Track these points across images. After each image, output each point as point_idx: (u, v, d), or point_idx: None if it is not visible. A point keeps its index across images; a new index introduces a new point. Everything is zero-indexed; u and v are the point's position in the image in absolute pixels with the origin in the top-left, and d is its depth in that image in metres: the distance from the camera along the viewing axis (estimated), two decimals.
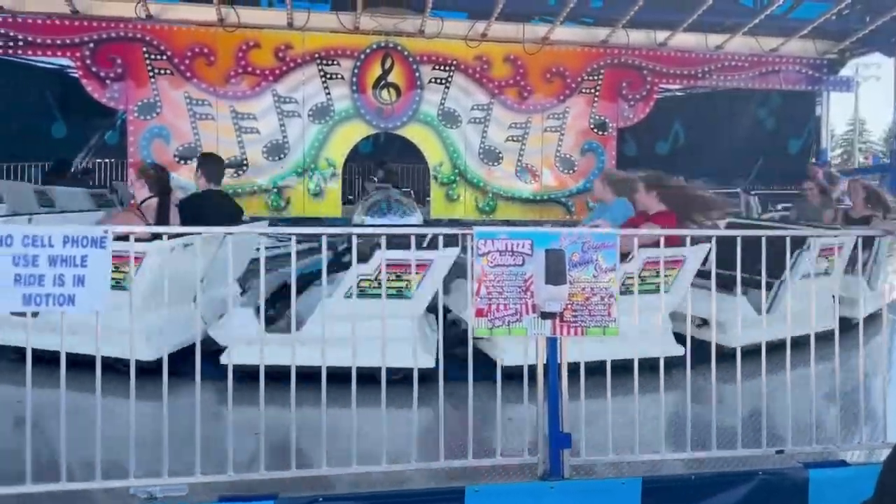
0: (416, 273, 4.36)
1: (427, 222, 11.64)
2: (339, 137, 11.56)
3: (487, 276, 3.37)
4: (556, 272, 3.33)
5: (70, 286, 3.01)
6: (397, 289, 4.39)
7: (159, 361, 3.27)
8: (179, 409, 3.29)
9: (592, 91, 12.11)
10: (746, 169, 16.21)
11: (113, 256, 3.16)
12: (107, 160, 15.46)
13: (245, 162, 11.19)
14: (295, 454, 3.13)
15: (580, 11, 11.15)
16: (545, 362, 3.39)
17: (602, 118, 12.19)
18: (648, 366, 3.59)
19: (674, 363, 4.06)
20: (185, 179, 11.01)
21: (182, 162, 11.03)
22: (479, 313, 3.36)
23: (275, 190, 11.34)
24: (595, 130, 12.19)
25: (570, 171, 12.13)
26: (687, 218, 5.12)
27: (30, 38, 10.58)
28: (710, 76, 12.32)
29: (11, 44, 10.57)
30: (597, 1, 12.02)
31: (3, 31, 10.50)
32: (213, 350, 4.38)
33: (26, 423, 2.95)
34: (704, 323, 4.55)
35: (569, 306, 3.40)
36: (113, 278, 3.21)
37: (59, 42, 10.67)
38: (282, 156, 11.31)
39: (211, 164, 5.84)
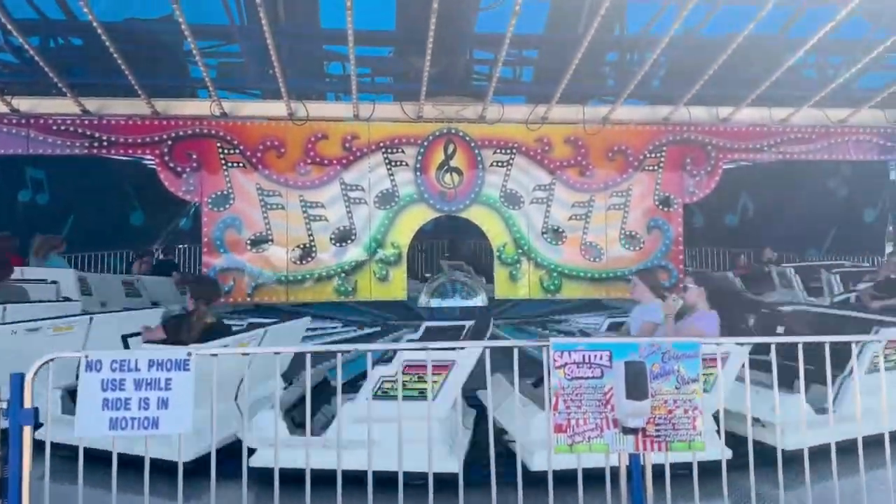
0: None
1: (491, 301, 11.65)
2: (404, 221, 11.76)
3: (565, 389, 3.30)
4: (636, 385, 3.23)
5: (154, 409, 3.09)
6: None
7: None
8: None
9: (655, 168, 12.06)
10: (820, 239, 15.75)
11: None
12: (182, 246, 16.07)
13: (314, 248, 11.46)
14: None
15: (639, 91, 11.18)
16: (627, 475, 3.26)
17: (666, 194, 12.09)
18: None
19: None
20: (251, 266, 11.40)
21: (253, 249, 11.38)
22: (559, 429, 3.28)
23: (342, 275, 11.54)
24: (660, 206, 12.08)
25: (637, 249, 11.98)
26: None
27: (113, 139, 11.21)
28: (776, 148, 12.08)
29: (97, 144, 11.20)
30: (656, 80, 12.05)
31: (88, 133, 11.17)
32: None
33: None
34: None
35: (651, 420, 3.29)
36: None
37: (139, 141, 11.28)
38: (349, 241, 11.54)
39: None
